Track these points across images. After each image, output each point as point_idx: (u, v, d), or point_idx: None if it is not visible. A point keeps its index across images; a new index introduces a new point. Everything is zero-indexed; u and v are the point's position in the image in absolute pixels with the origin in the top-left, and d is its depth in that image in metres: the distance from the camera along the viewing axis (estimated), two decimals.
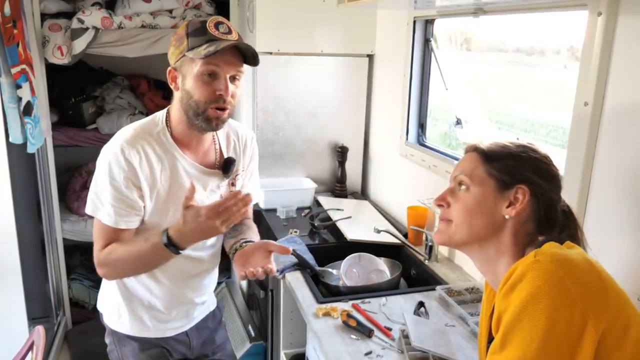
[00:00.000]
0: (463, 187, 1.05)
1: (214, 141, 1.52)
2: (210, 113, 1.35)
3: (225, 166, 1.50)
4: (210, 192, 1.50)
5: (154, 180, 1.40)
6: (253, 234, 1.56)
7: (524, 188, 0.99)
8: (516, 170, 1.00)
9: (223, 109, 1.36)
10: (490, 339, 0.98)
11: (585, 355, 0.84)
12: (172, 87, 1.41)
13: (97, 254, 1.40)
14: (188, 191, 1.27)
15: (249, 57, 1.37)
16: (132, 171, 1.36)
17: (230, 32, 1.34)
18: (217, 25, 1.33)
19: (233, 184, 1.56)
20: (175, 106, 1.42)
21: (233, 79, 1.36)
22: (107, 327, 1.60)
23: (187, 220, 1.26)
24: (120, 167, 1.35)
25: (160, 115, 1.47)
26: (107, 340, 1.62)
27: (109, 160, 1.36)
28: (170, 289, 1.53)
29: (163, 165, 1.41)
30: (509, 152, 1.02)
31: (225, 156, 1.53)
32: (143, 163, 1.37)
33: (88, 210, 1.40)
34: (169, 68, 1.40)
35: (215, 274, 1.68)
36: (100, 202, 1.37)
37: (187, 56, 1.33)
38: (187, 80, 1.36)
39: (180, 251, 1.31)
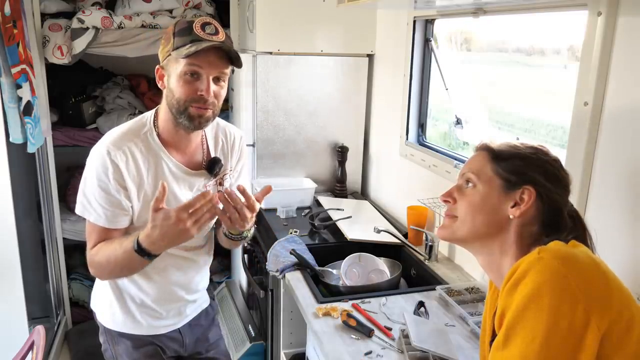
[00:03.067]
0: (470, 184, 1.05)
1: (202, 141, 1.53)
2: (191, 111, 1.36)
3: (210, 166, 1.51)
4: (197, 193, 1.50)
5: (141, 180, 1.41)
6: None
7: (530, 189, 0.99)
8: (524, 171, 1.00)
9: (205, 108, 1.37)
10: (494, 337, 0.98)
11: (588, 352, 0.84)
12: (159, 85, 1.42)
13: (87, 254, 1.42)
14: (158, 192, 1.23)
15: (234, 58, 1.36)
16: (119, 173, 1.36)
17: (216, 33, 1.34)
18: (203, 26, 1.34)
19: (221, 184, 1.56)
20: (163, 106, 1.43)
21: (217, 79, 1.37)
22: (101, 326, 1.61)
23: (157, 224, 1.23)
24: (106, 169, 1.36)
25: (149, 115, 1.47)
26: (101, 338, 1.62)
27: (96, 162, 1.37)
28: (160, 286, 1.53)
29: (149, 165, 1.42)
30: (518, 152, 1.03)
31: (213, 156, 1.53)
32: (130, 164, 1.38)
33: (78, 210, 1.42)
34: (157, 66, 1.42)
35: (206, 272, 1.68)
36: (89, 203, 1.39)
37: (172, 55, 1.35)
38: (171, 78, 1.37)
39: (152, 257, 1.30)
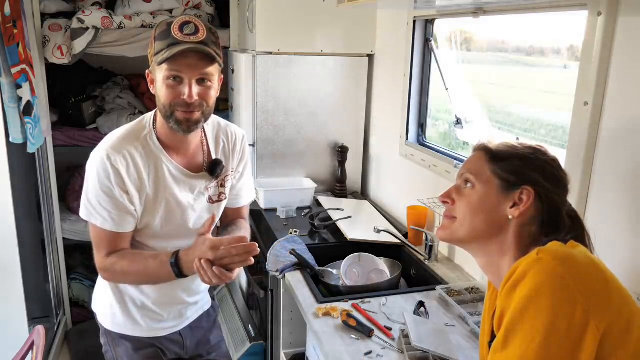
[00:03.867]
0: (469, 185, 1.05)
1: (202, 142, 1.52)
2: (178, 115, 1.35)
3: (212, 168, 1.50)
4: (198, 194, 1.50)
5: (142, 184, 1.40)
6: (242, 234, 1.54)
7: (529, 189, 0.99)
8: (522, 171, 1.00)
9: (191, 112, 1.35)
10: (493, 338, 0.98)
11: (587, 352, 0.84)
12: (151, 90, 1.41)
13: (101, 260, 1.41)
14: (207, 222, 1.34)
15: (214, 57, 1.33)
16: (120, 178, 1.36)
17: (196, 32, 1.30)
18: (182, 26, 1.30)
19: (222, 185, 1.55)
20: None
21: (202, 80, 1.34)
22: (102, 327, 1.60)
23: (196, 246, 1.29)
24: (108, 174, 1.35)
25: (148, 117, 1.46)
26: (102, 340, 1.62)
27: (97, 167, 1.36)
28: (161, 288, 1.53)
29: (149, 168, 1.41)
30: (516, 152, 1.02)
31: (214, 157, 1.52)
32: (130, 168, 1.37)
33: (82, 215, 1.41)
34: (147, 71, 1.41)
35: None
36: (94, 207, 1.38)
37: (153, 61, 1.34)
38: (157, 83, 1.36)
39: (182, 277, 1.35)
